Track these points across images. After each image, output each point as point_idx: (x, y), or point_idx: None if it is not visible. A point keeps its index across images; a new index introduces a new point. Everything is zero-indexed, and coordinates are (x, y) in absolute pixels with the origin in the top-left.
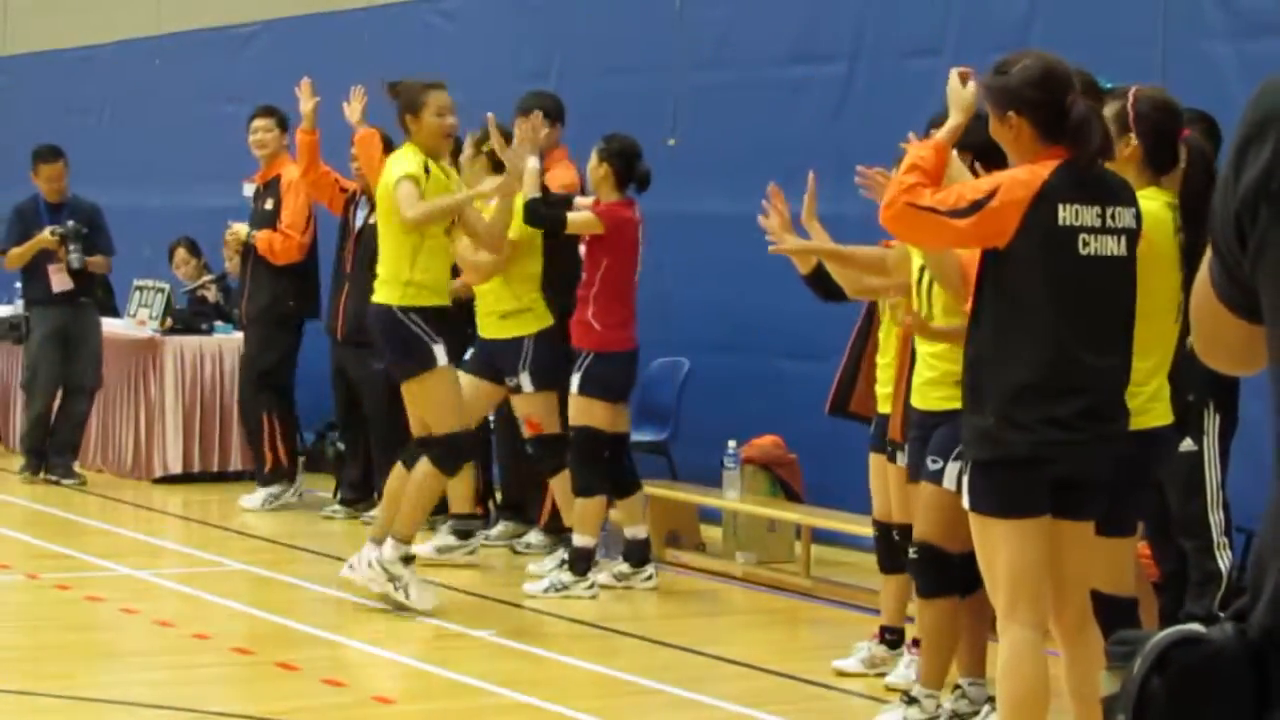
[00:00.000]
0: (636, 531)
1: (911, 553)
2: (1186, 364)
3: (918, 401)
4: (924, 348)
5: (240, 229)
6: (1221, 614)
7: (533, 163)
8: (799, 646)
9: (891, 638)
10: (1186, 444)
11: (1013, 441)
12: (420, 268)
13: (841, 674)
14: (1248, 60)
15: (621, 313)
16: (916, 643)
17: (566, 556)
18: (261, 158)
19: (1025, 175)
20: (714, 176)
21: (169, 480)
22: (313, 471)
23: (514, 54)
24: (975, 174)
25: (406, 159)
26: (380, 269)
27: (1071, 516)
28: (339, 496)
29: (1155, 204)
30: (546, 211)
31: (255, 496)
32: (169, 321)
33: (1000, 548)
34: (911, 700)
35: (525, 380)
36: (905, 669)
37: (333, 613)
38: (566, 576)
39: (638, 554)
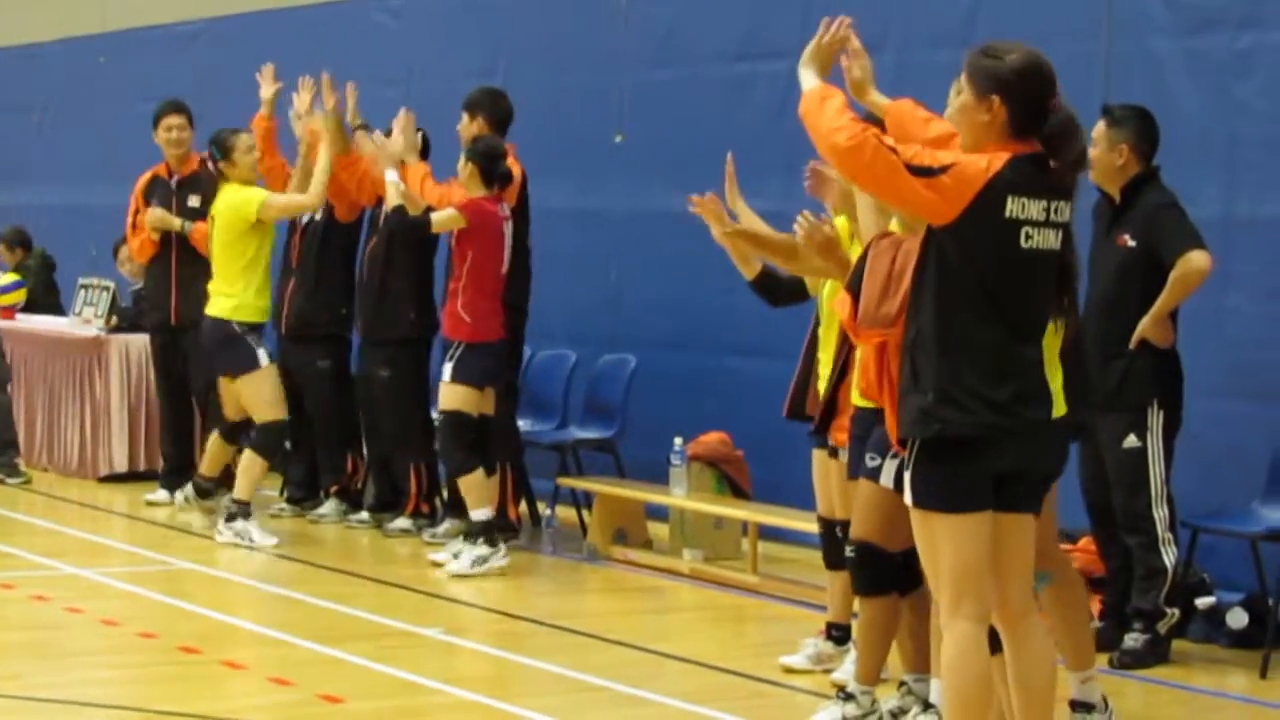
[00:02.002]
0: (482, 514)
1: (848, 551)
2: (1133, 364)
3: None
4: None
5: (170, 218)
6: (1167, 609)
7: (391, 175)
8: (746, 643)
9: (838, 634)
10: (1131, 441)
11: (951, 420)
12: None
13: (789, 670)
14: (1191, 56)
15: (487, 304)
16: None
17: (469, 532)
18: (176, 155)
19: (982, 162)
20: (661, 173)
21: (114, 479)
22: None
23: (461, 51)
24: None
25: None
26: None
27: (1011, 509)
28: (285, 495)
29: None
30: (410, 217)
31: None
32: (114, 320)
33: (944, 543)
34: (848, 697)
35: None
36: (852, 665)
37: (280, 611)
38: (483, 549)
39: (485, 534)
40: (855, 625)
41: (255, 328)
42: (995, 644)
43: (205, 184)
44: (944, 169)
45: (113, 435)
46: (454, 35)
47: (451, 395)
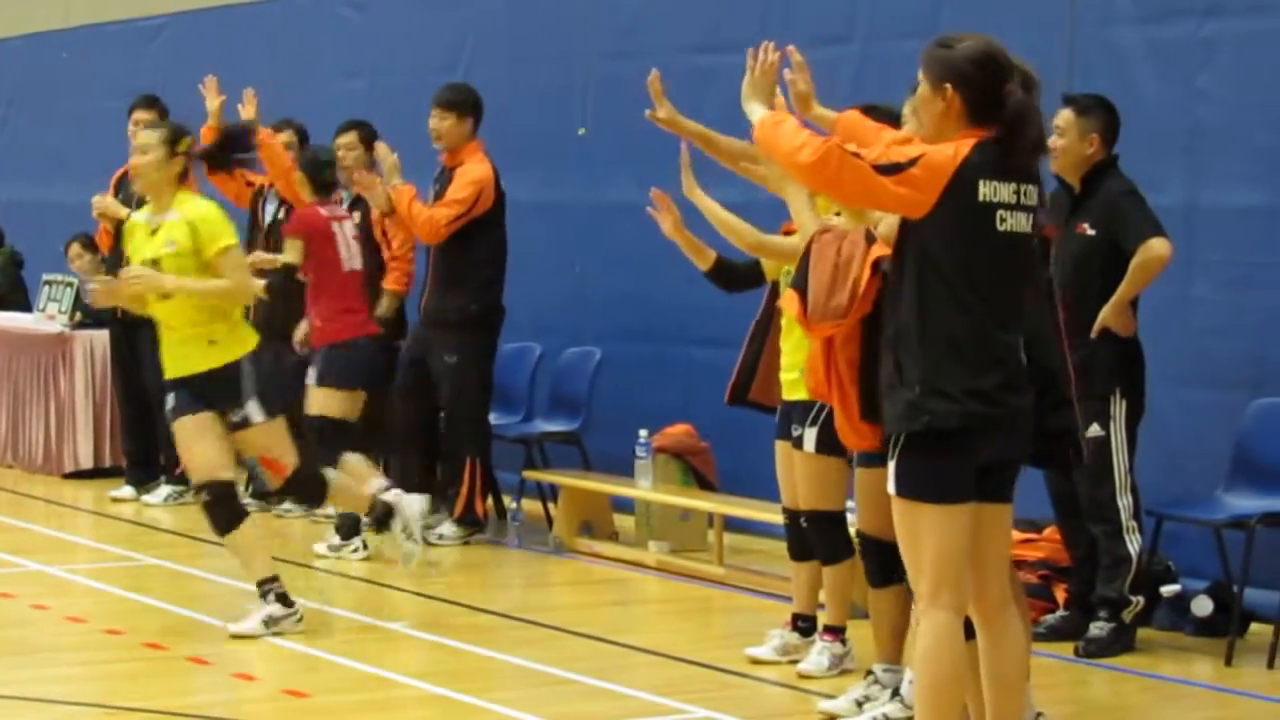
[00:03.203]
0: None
1: (802, 520)
2: (1095, 353)
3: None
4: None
5: (117, 206)
6: (1132, 597)
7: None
8: (713, 634)
9: (804, 625)
10: (1094, 430)
11: (939, 411)
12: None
13: (755, 662)
14: (1155, 45)
15: (333, 305)
16: (829, 630)
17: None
18: None
19: (949, 150)
20: (624, 166)
21: (80, 475)
22: None
23: (424, 45)
24: None
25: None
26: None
27: (994, 499)
28: (250, 490)
29: None
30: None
31: (159, 493)
32: (78, 316)
33: (928, 533)
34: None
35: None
36: (818, 655)
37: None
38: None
39: (348, 528)
40: (826, 615)
41: None
42: (969, 633)
43: None
44: (912, 162)
45: (78, 431)
46: (417, 29)
47: (316, 400)
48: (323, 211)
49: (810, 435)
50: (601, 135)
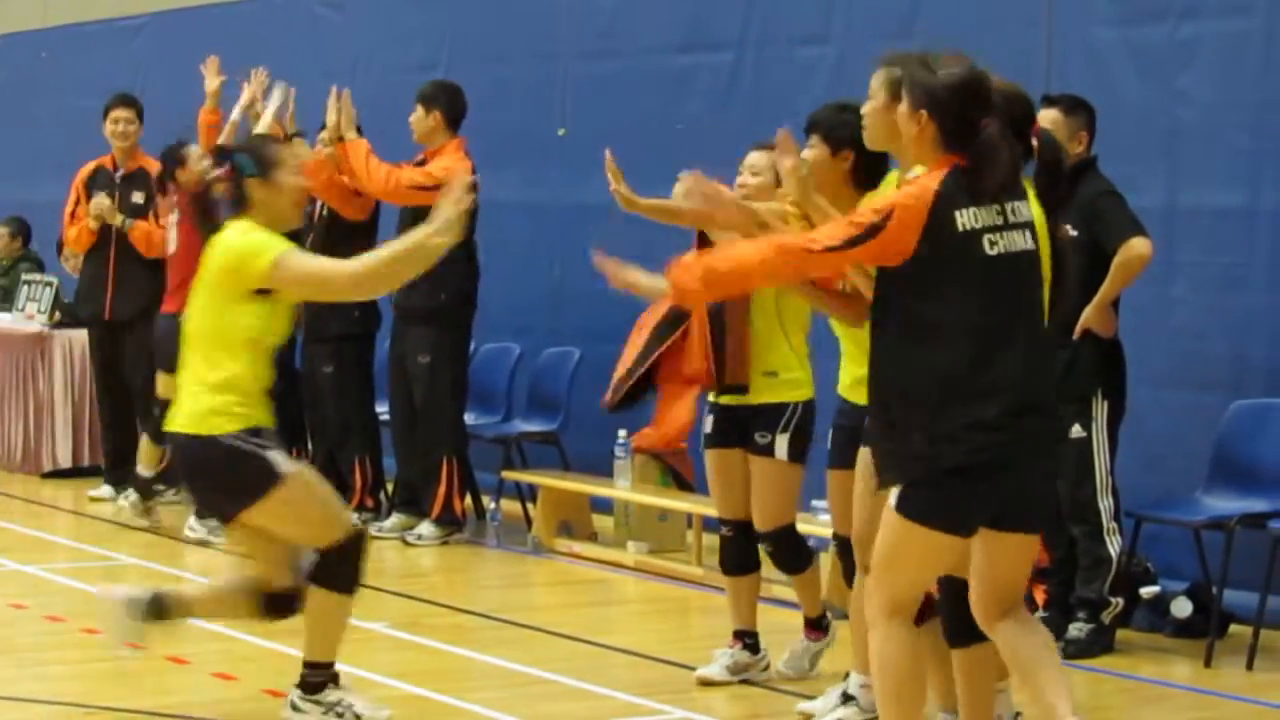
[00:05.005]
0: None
1: (766, 545)
2: (1077, 354)
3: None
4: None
5: (114, 210)
6: (1112, 598)
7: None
8: (691, 635)
9: (750, 641)
10: (1076, 431)
11: (945, 454)
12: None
13: (706, 683)
14: (1133, 46)
15: None
16: (810, 625)
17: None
18: (123, 149)
19: (916, 191)
20: (603, 166)
21: (59, 474)
22: None
23: (403, 44)
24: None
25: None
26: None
27: (1019, 529)
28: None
29: (1033, 201)
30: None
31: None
32: (57, 315)
33: (915, 555)
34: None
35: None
36: (799, 658)
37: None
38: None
39: (146, 489)
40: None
41: None
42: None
43: (150, 181)
44: (885, 217)
45: (56, 431)
46: (397, 28)
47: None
48: None
49: (783, 442)
50: (581, 135)
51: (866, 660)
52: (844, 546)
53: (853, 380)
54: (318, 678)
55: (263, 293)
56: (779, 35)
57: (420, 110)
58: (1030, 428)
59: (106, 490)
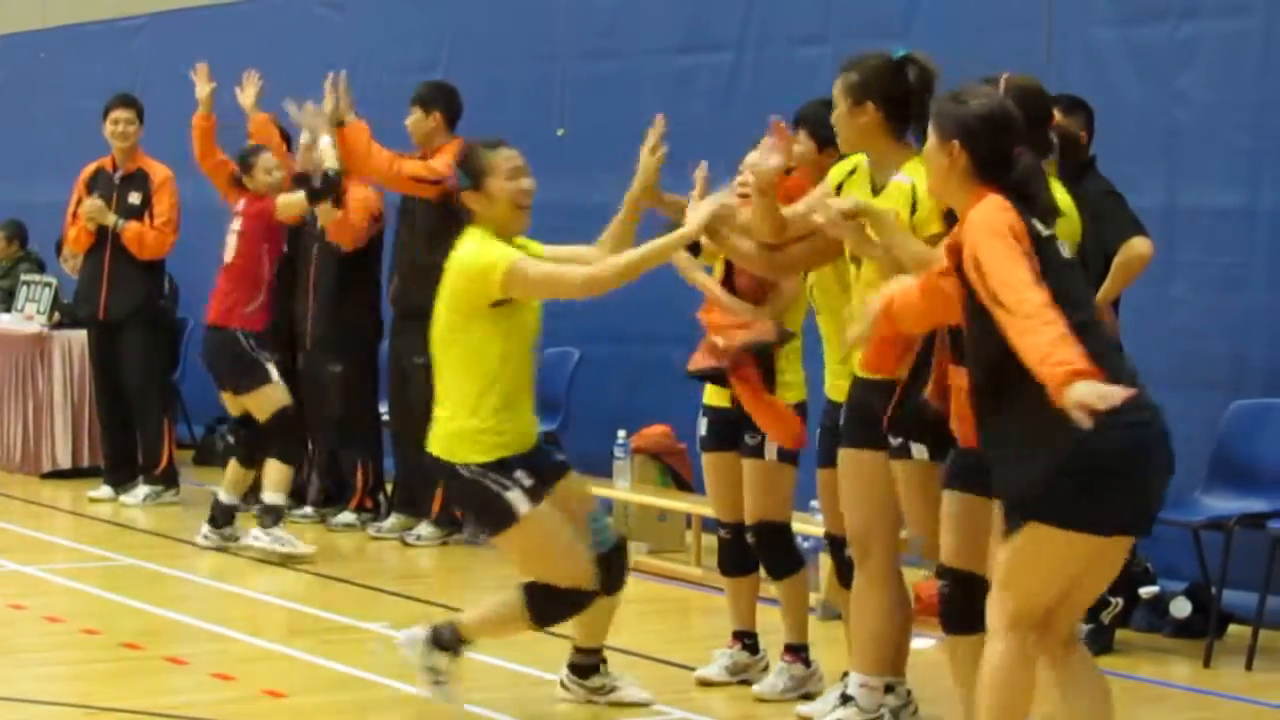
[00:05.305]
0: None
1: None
2: None
3: (835, 395)
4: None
5: (106, 211)
6: (1111, 598)
7: (325, 140)
8: (691, 635)
9: (750, 642)
10: None
11: (1096, 437)
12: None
13: (705, 683)
14: (1133, 46)
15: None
16: (791, 649)
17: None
18: (123, 150)
19: (999, 206)
20: (603, 166)
21: (58, 475)
22: (201, 465)
23: (402, 45)
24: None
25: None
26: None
27: (1132, 531)
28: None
29: (1067, 198)
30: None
31: (137, 493)
32: (56, 316)
33: (1053, 561)
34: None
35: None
36: (775, 676)
37: (222, 607)
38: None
39: (223, 517)
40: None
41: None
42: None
43: (149, 182)
44: (1018, 239)
45: (56, 431)
46: (396, 28)
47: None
48: None
49: (772, 442)
50: (580, 136)
51: (864, 660)
52: (836, 546)
53: (835, 378)
54: (586, 661)
55: (501, 303)
56: (779, 35)
57: (420, 113)
58: (1158, 419)
59: (105, 491)
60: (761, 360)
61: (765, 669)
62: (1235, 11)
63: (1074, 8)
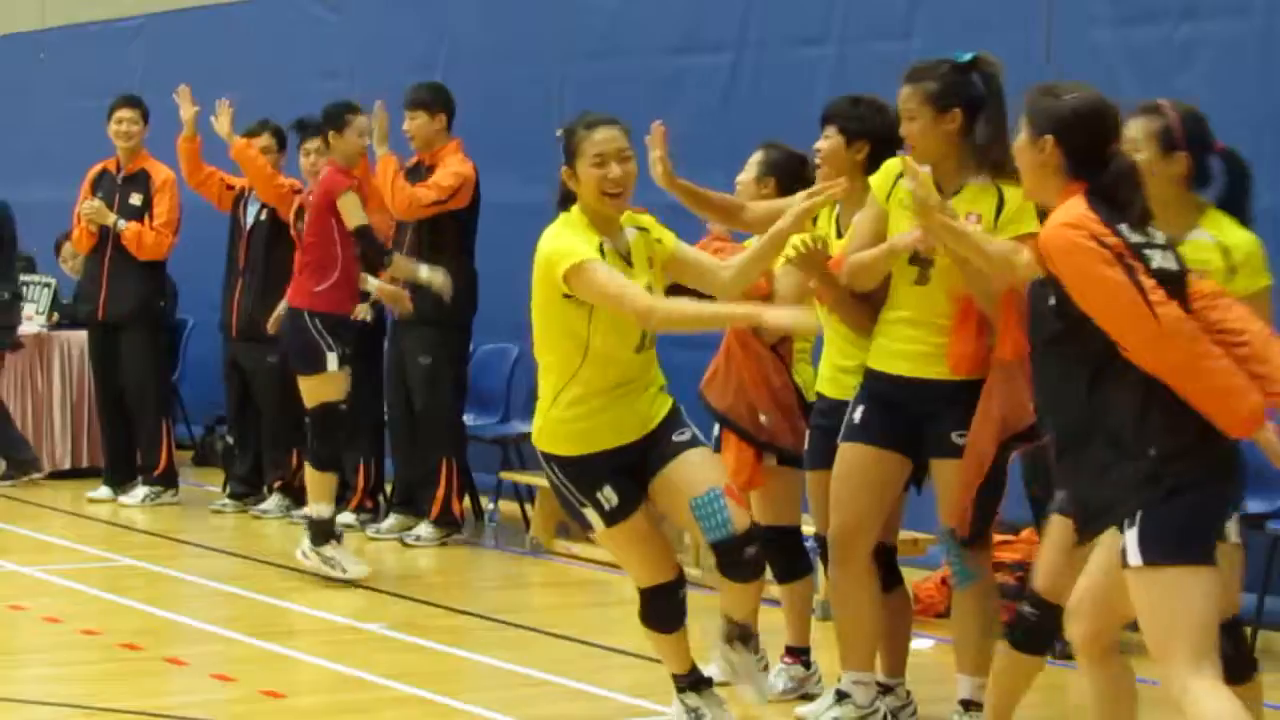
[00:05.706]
0: (317, 509)
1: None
2: None
3: (829, 390)
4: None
5: (105, 211)
6: None
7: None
8: (690, 636)
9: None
10: None
11: (1182, 470)
12: None
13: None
14: (1132, 46)
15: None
16: (791, 651)
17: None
18: (126, 150)
19: (1076, 220)
20: None
21: (58, 476)
22: (201, 466)
23: (400, 45)
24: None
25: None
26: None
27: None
28: (228, 490)
29: (1243, 232)
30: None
31: (136, 494)
32: (55, 317)
33: (1189, 599)
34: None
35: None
36: (774, 677)
37: (222, 607)
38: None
39: (320, 533)
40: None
41: None
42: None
43: (150, 183)
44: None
45: (55, 432)
46: (393, 29)
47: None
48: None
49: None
50: None
51: (859, 659)
52: (827, 546)
53: (833, 372)
54: (733, 632)
55: (570, 297)
56: (778, 36)
57: (424, 116)
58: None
59: (105, 491)
60: (782, 459)
61: (765, 669)
62: (1234, 12)
63: (1074, 8)
